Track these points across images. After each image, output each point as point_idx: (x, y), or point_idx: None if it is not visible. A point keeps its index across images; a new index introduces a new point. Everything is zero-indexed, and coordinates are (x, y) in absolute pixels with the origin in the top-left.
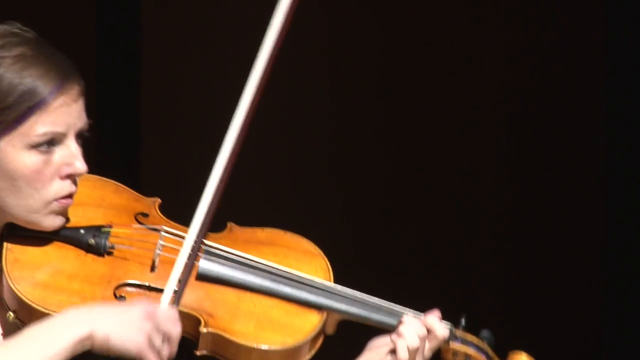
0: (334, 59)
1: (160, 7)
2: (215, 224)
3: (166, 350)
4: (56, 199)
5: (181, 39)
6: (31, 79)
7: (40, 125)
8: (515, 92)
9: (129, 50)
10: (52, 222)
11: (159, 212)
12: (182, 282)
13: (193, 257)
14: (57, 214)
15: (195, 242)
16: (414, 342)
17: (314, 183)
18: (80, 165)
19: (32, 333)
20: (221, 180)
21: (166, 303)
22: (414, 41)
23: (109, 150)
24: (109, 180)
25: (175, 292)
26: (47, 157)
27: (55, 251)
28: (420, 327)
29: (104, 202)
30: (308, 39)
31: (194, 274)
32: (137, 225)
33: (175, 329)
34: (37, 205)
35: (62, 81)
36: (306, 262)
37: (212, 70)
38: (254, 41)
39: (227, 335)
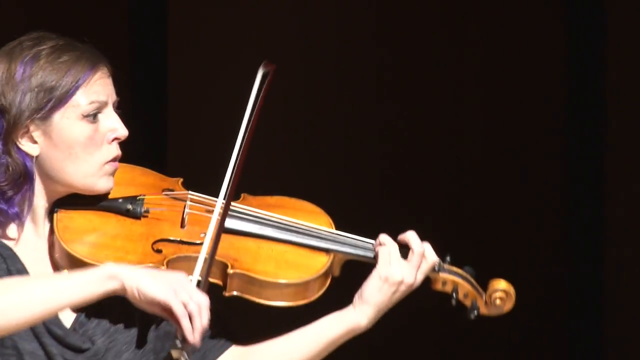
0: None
1: (186, 22)
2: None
3: (195, 310)
4: (107, 162)
5: (206, 54)
6: (70, 61)
7: (86, 97)
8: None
9: (156, 66)
10: (105, 184)
11: (182, 187)
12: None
13: (222, 216)
14: (109, 175)
15: (223, 204)
16: (394, 249)
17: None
18: (122, 130)
19: (71, 273)
20: (240, 157)
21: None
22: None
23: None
24: (137, 166)
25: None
26: (95, 125)
27: (98, 218)
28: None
29: (134, 181)
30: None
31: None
32: (166, 193)
33: (203, 297)
34: (92, 169)
35: (95, 61)
36: (312, 219)
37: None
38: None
39: (251, 274)
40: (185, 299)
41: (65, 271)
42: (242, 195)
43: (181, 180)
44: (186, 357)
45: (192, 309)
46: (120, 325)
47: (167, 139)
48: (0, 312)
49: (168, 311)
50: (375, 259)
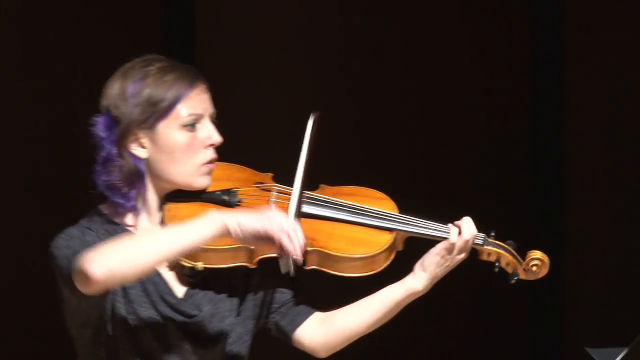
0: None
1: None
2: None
3: (295, 235)
4: (203, 164)
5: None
6: (172, 80)
7: (185, 110)
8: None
9: None
10: (203, 182)
11: (272, 181)
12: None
13: (299, 202)
14: (206, 174)
15: (300, 193)
16: (468, 233)
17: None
18: (217, 137)
19: (182, 224)
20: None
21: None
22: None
23: None
24: (235, 164)
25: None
26: (193, 134)
27: (200, 208)
28: (474, 229)
29: (231, 177)
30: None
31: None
32: (257, 186)
33: (296, 227)
34: (191, 170)
35: (193, 79)
36: (379, 204)
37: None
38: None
39: (326, 250)
40: (280, 224)
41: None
42: (321, 186)
43: (271, 174)
44: (292, 270)
45: (289, 229)
46: (224, 295)
47: None
48: (131, 258)
49: (269, 238)
50: (436, 237)
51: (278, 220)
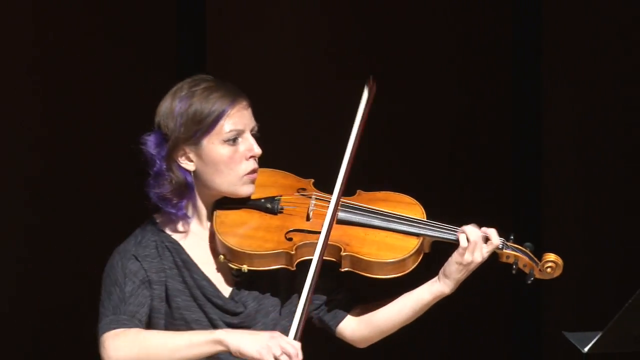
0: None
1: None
2: (350, 191)
3: (284, 359)
4: (246, 174)
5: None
6: (214, 99)
7: (227, 126)
8: None
9: None
10: (247, 190)
11: (313, 187)
12: (327, 232)
13: (336, 210)
14: (249, 183)
15: (337, 201)
16: (473, 236)
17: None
18: (257, 150)
19: (191, 332)
20: (350, 160)
21: (295, 327)
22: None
23: None
24: (280, 170)
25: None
26: (235, 147)
27: (246, 214)
28: (478, 232)
29: (277, 183)
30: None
31: (335, 220)
32: (297, 194)
33: (292, 350)
34: (234, 180)
35: (234, 97)
36: (408, 209)
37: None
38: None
39: (359, 256)
40: (277, 353)
41: (186, 333)
42: (358, 191)
43: (312, 180)
44: None
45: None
46: (268, 293)
47: None
48: (142, 358)
49: None
50: (456, 241)
51: (277, 350)
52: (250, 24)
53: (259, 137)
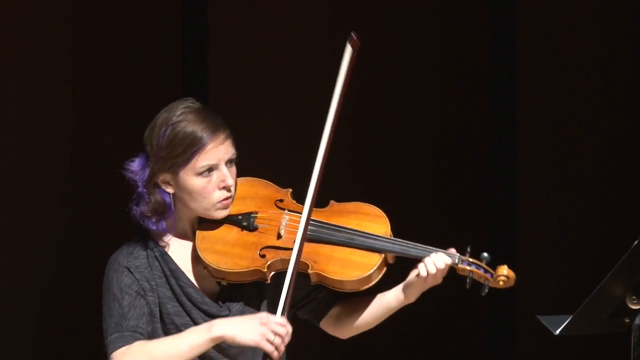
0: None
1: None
2: (324, 202)
3: (279, 342)
4: (219, 202)
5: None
6: (194, 134)
7: (201, 161)
8: None
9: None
10: (220, 214)
11: (291, 198)
12: (298, 249)
13: (305, 230)
14: (222, 209)
15: (305, 222)
16: (431, 268)
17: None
18: (230, 181)
19: (187, 331)
20: (318, 178)
21: (280, 308)
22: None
23: None
24: (262, 180)
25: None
26: (208, 178)
27: (226, 229)
28: (434, 265)
29: (257, 195)
30: None
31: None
32: (272, 210)
33: (282, 330)
34: (208, 206)
35: (212, 132)
36: (375, 222)
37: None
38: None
39: (324, 274)
40: (270, 338)
41: (186, 330)
42: (330, 202)
43: (290, 191)
44: None
45: (277, 343)
46: (253, 294)
47: None
48: None
49: (260, 347)
50: (417, 257)
51: (269, 335)
52: (250, 24)
53: (237, 162)
